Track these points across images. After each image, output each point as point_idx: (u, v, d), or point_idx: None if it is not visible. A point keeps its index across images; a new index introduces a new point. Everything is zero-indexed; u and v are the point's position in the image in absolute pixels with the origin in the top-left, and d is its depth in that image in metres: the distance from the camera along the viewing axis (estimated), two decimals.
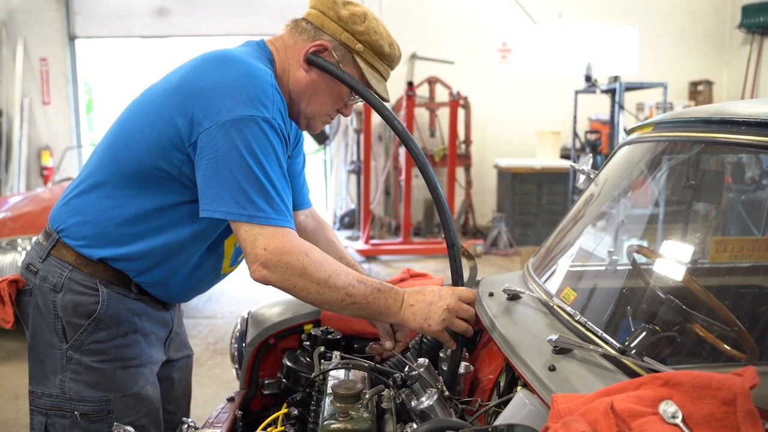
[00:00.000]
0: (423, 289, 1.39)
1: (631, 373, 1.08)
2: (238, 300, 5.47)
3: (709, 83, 8.73)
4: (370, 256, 6.80)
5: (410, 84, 7.19)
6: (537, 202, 7.61)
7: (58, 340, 1.43)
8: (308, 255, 1.28)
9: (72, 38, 8.79)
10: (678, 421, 0.87)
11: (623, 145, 1.78)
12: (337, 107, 1.52)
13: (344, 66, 1.44)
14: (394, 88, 7.42)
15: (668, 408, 0.88)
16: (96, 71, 10.09)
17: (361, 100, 1.50)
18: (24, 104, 8.55)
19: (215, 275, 1.59)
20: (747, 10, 8.25)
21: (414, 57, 8.40)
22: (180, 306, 1.70)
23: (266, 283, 1.30)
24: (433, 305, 1.35)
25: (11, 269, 4.27)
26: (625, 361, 1.11)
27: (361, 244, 7.00)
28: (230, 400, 1.73)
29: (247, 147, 1.26)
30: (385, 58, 1.46)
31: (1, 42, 8.50)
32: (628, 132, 1.81)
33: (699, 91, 8.75)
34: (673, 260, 1.59)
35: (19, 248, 4.34)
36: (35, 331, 1.46)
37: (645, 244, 1.85)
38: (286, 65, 1.47)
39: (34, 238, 1.74)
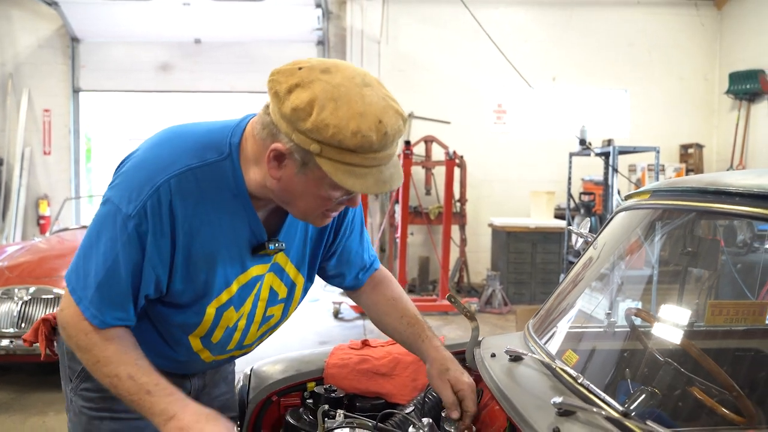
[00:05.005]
0: (207, 422, 1.22)
1: None
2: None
3: (699, 146, 8.93)
4: (364, 312, 6.78)
5: (407, 143, 7.33)
6: (531, 261, 7.66)
7: (67, 380, 1.52)
8: (87, 335, 1.27)
9: (76, 91, 8.96)
10: None
11: (620, 210, 1.85)
12: (326, 206, 1.29)
13: (310, 168, 1.19)
14: None
15: None
16: (96, 122, 10.22)
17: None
18: (25, 153, 8.65)
19: (200, 364, 1.54)
20: (734, 77, 8.53)
21: (411, 116, 8.59)
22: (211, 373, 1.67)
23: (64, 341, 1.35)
24: None
25: (7, 319, 4.25)
26: (628, 424, 1.13)
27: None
28: None
29: (94, 226, 1.29)
30: (357, 149, 1.15)
31: (6, 93, 8.66)
32: (625, 198, 1.88)
33: (689, 154, 8.95)
34: (671, 323, 1.63)
35: (15, 298, 4.33)
36: (61, 368, 1.56)
37: (641, 306, 1.89)
38: (260, 161, 1.26)
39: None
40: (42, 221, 8.57)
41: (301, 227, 1.49)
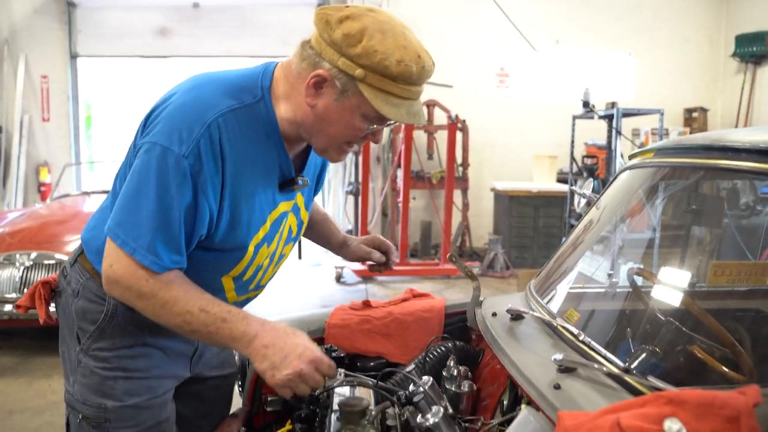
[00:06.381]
0: (286, 335, 1.31)
1: (635, 392, 1.10)
2: None
3: (704, 110, 8.84)
4: (366, 276, 6.80)
5: None
6: (533, 225, 7.65)
7: (74, 342, 1.51)
8: (148, 281, 1.28)
9: (74, 56, 8.85)
10: None
11: (624, 169, 1.82)
12: (353, 138, 1.37)
13: (348, 96, 1.28)
14: None
15: (673, 425, 0.90)
16: (96, 89, 10.13)
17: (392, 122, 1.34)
18: (24, 121, 8.58)
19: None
20: (740, 40, 8.40)
21: None
22: None
23: (111, 295, 1.36)
24: (287, 360, 1.28)
25: (9, 284, 4.27)
26: (629, 379, 1.13)
27: (357, 265, 7.00)
28: (233, 416, 1.74)
29: (138, 174, 1.28)
30: (397, 78, 1.25)
31: (3, 59, 8.55)
32: (630, 157, 1.85)
33: (694, 117, 8.86)
34: (672, 283, 1.63)
35: (17, 263, 4.34)
36: (61, 330, 1.56)
37: (643, 266, 1.88)
38: (293, 95, 1.35)
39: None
40: (43, 188, 8.55)
41: (312, 168, 1.58)
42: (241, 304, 1.61)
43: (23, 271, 4.31)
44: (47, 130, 8.82)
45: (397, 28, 1.28)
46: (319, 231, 1.90)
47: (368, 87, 1.26)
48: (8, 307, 4.22)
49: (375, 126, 1.35)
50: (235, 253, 1.44)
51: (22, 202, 8.37)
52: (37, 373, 4.06)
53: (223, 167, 1.30)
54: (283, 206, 1.50)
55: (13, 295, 4.24)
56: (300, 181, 1.48)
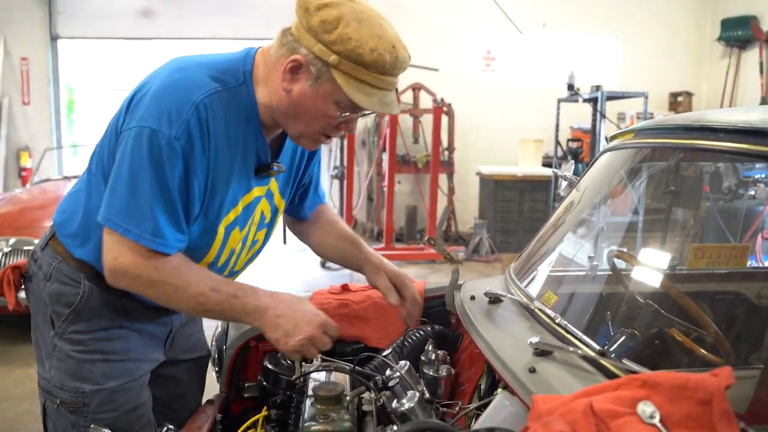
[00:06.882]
0: (295, 304, 1.39)
1: (611, 375, 1.09)
2: None
3: (689, 94, 8.86)
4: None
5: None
6: (519, 210, 7.65)
7: (48, 327, 1.49)
8: (158, 269, 1.30)
9: (54, 38, 8.69)
10: (656, 421, 0.88)
11: (605, 151, 1.80)
12: (326, 127, 1.38)
13: (322, 82, 1.29)
14: None
15: (646, 408, 0.89)
16: (78, 72, 9.98)
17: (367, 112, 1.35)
18: (3, 103, 8.44)
19: None
20: (726, 24, 8.40)
21: None
22: None
23: (118, 286, 1.36)
24: (298, 327, 1.35)
25: None
26: (604, 362, 1.12)
27: None
28: (209, 402, 1.72)
29: (130, 159, 1.27)
30: (370, 66, 1.26)
31: None
32: (610, 139, 1.83)
33: (679, 102, 8.88)
34: (652, 266, 1.62)
35: None
36: (34, 316, 1.55)
37: (625, 249, 1.87)
38: (270, 80, 1.36)
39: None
40: (24, 173, 8.43)
41: (289, 156, 1.57)
42: None
43: (1, 257, 4.24)
44: (28, 113, 8.69)
45: (374, 18, 1.28)
46: (351, 259, 1.74)
47: (341, 74, 1.27)
48: None
49: (348, 114, 1.36)
50: (205, 236, 1.43)
51: (2, 187, 8.25)
52: (18, 362, 4.01)
53: (209, 147, 1.32)
54: (257, 191, 1.50)
55: None
56: (275, 167, 1.48)
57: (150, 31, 8.69)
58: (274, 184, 1.55)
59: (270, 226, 1.63)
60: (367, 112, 1.36)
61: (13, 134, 8.57)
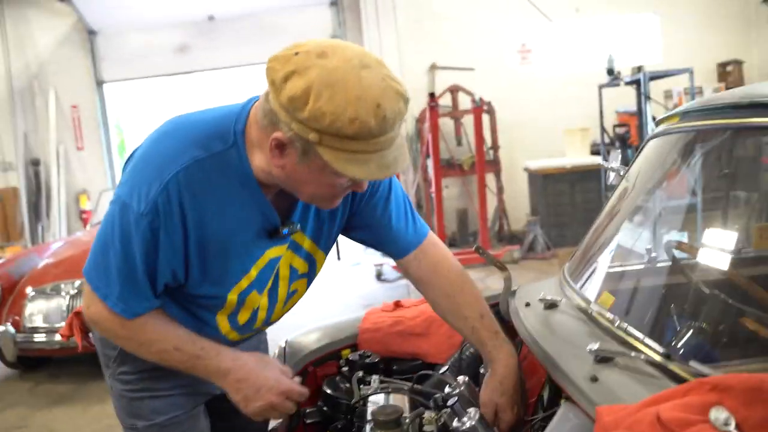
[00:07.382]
0: (257, 370, 1.38)
1: (678, 379, 1.03)
2: (279, 326, 5.48)
3: (738, 63, 8.48)
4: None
5: (432, 95, 7.16)
6: (571, 202, 7.45)
7: (105, 367, 1.57)
8: (123, 326, 1.34)
9: (99, 83, 9.06)
10: (731, 428, 0.82)
11: (651, 138, 1.73)
12: (332, 192, 1.27)
13: (311, 158, 1.16)
14: (416, 100, 7.42)
15: (720, 414, 0.84)
16: (125, 112, 10.35)
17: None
18: (59, 151, 8.82)
19: (228, 344, 1.49)
20: None
21: (434, 67, 8.38)
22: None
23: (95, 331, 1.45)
24: (259, 394, 1.37)
25: (56, 314, 4.37)
26: (670, 366, 1.06)
27: None
28: (273, 431, 1.72)
29: (107, 225, 1.30)
30: (355, 137, 1.10)
31: (34, 94, 8.81)
32: (656, 124, 1.76)
33: (728, 72, 8.50)
34: (715, 253, 1.53)
35: (63, 293, 4.43)
36: (99, 357, 1.61)
37: (683, 238, 1.78)
38: (264, 148, 1.23)
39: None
40: (84, 215, 8.76)
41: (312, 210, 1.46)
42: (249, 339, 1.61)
43: (69, 300, 4.40)
44: (82, 158, 9.07)
45: (349, 76, 1.10)
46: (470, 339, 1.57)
47: (327, 149, 1.12)
48: (58, 337, 4.31)
49: (351, 182, 1.25)
50: (214, 301, 1.41)
51: (66, 230, 8.59)
52: (92, 399, 4.14)
53: (184, 223, 1.26)
54: (273, 252, 1.41)
55: (62, 324, 4.33)
56: (286, 229, 1.37)
57: (187, 64, 8.95)
58: (299, 235, 1.44)
59: (309, 276, 1.54)
60: None
61: (71, 179, 8.94)
